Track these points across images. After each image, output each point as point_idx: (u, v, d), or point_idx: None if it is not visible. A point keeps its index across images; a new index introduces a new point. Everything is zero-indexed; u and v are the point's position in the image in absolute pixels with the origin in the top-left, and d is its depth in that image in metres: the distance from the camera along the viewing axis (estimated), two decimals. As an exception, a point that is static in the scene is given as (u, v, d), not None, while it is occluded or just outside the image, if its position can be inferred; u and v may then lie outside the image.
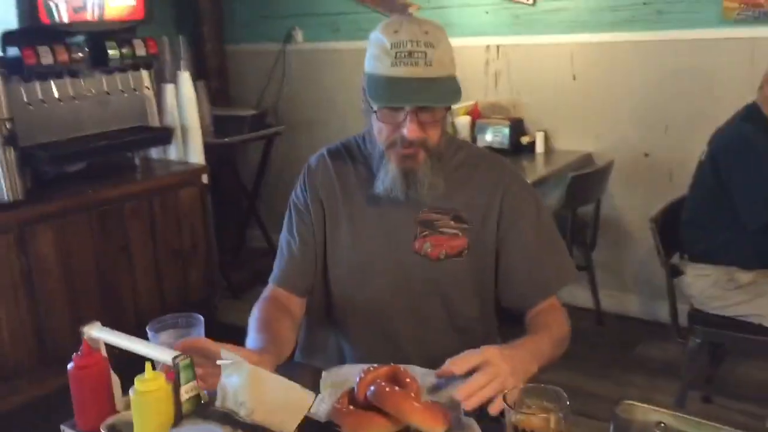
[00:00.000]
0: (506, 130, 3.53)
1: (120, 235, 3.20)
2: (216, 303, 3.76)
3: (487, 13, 3.61)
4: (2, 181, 2.90)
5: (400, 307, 1.51)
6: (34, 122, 3.08)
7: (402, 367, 1.28)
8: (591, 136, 3.47)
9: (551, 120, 3.55)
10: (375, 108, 1.40)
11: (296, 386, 0.99)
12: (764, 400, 2.69)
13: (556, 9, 3.43)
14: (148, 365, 1.02)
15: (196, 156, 3.64)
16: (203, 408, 1.03)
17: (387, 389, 1.17)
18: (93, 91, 3.27)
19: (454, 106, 3.65)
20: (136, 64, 3.38)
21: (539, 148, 3.52)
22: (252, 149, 4.56)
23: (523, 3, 3.50)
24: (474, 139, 3.61)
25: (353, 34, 4.06)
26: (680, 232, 2.43)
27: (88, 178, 3.26)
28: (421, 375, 1.31)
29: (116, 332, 1.12)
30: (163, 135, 3.47)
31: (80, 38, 3.17)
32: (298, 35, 4.34)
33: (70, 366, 1.10)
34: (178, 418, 1.01)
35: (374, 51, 1.39)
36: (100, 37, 3.21)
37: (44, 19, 2.97)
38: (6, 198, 2.91)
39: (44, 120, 3.13)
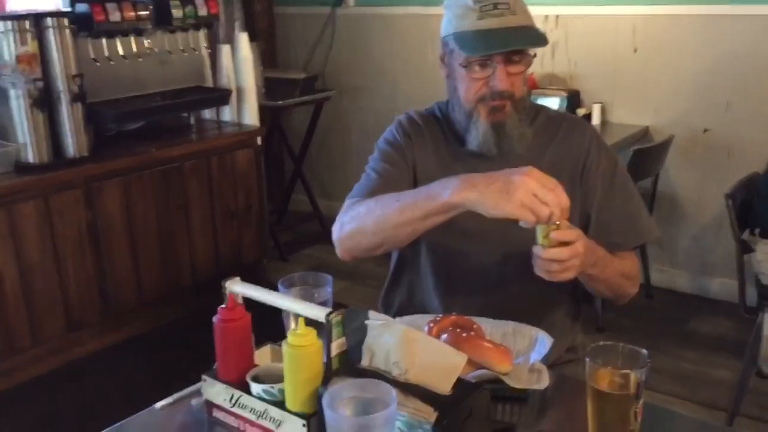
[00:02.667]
0: (563, 102, 3.52)
1: (179, 193, 3.24)
2: (265, 264, 3.81)
3: (548, -18, 3.58)
4: (70, 137, 2.94)
5: (485, 268, 1.52)
6: (100, 79, 3.11)
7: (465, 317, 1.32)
8: (649, 110, 3.45)
9: (609, 92, 3.54)
10: (465, 63, 1.43)
11: (447, 348, 1.02)
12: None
13: (620, -20, 3.40)
14: (301, 320, 1.05)
15: (251, 118, 3.66)
16: (350, 366, 1.06)
17: (463, 335, 1.21)
18: (156, 49, 3.29)
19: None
20: (197, 23, 3.38)
21: (595, 120, 3.51)
22: (297, 113, 4.57)
23: (587, -27, 3.47)
24: (530, 110, 3.60)
25: (406, 0, 4.03)
26: (755, 206, 2.44)
27: (146, 136, 3.29)
28: (485, 325, 1.34)
29: (258, 287, 1.15)
30: (222, 96, 3.49)
31: (144, -4, 3.18)
32: (350, -1, 4.32)
33: (215, 318, 1.13)
34: (329, 373, 1.05)
35: (456, 11, 1.44)
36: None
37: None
38: (73, 153, 2.95)
39: (109, 77, 3.16)
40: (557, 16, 3.59)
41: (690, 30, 3.27)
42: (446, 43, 1.49)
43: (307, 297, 1.25)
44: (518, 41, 1.41)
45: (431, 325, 1.28)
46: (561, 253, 1.23)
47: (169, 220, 3.21)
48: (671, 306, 3.44)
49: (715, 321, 3.22)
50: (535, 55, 1.47)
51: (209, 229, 3.39)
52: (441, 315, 1.32)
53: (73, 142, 2.95)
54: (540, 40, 1.43)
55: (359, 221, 1.39)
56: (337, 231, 1.44)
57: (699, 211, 3.42)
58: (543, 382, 1.17)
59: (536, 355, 1.27)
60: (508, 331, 1.35)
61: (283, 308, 1.11)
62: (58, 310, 2.88)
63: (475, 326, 1.29)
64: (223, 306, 1.14)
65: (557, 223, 1.20)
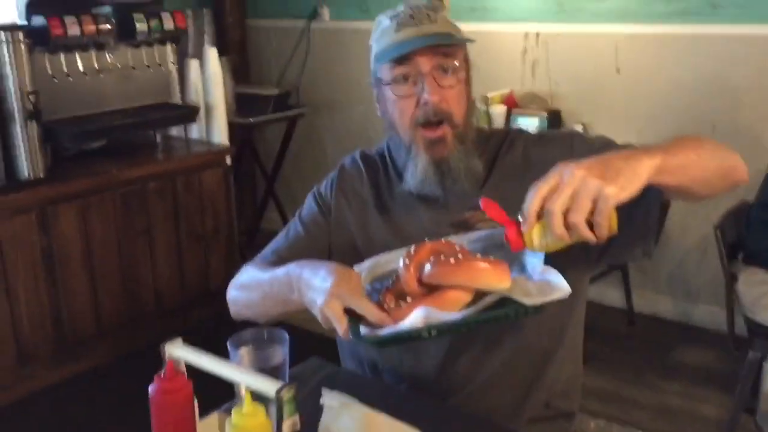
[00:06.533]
0: (543, 122, 3.42)
1: (142, 217, 3.08)
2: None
3: (528, -2, 3.48)
4: (24, 158, 2.77)
5: None
6: (58, 96, 2.95)
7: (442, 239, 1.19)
8: (632, 131, 3.34)
9: (591, 113, 3.43)
10: (390, 78, 1.31)
11: (407, 429, 0.88)
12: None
13: (603, -3, 3.30)
14: (247, 396, 0.91)
15: (221, 136, 3.52)
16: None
17: (451, 261, 1.07)
18: (119, 65, 3.13)
19: (489, 95, 3.53)
20: (163, 37, 3.23)
21: (576, 141, 3.40)
22: (270, 129, 4.43)
23: (568, -10, 3.37)
24: (509, 130, 3.50)
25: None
26: (744, 231, 2.35)
27: (107, 155, 3.14)
28: (466, 242, 1.21)
29: (203, 352, 1.00)
30: (188, 113, 3.34)
31: (107, 9, 3.02)
32: (325, 12, 4.19)
33: (151, 389, 0.98)
34: (279, 457, 0.91)
35: (376, 37, 1.37)
36: (126, 8, 3.06)
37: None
38: (27, 175, 2.79)
39: (67, 94, 3.00)
40: (537, 34, 3.48)
41: (674, 50, 3.18)
42: (374, 73, 1.37)
43: (260, 359, 1.11)
44: (434, 39, 1.28)
45: (407, 261, 1.11)
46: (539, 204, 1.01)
47: (131, 245, 3.05)
48: (654, 334, 3.33)
49: (700, 351, 3.11)
50: (468, 71, 1.35)
51: (174, 253, 3.23)
52: (413, 247, 1.15)
53: (27, 164, 2.78)
54: (458, 40, 1.32)
55: (240, 292, 1.40)
56: (228, 292, 1.44)
57: (683, 235, 3.32)
58: (559, 288, 1.04)
59: (534, 259, 1.13)
60: (488, 245, 1.21)
61: (229, 380, 0.96)
62: (8, 342, 2.70)
63: (458, 248, 1.13)
64: (160, 374, 0.99)
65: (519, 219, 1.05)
